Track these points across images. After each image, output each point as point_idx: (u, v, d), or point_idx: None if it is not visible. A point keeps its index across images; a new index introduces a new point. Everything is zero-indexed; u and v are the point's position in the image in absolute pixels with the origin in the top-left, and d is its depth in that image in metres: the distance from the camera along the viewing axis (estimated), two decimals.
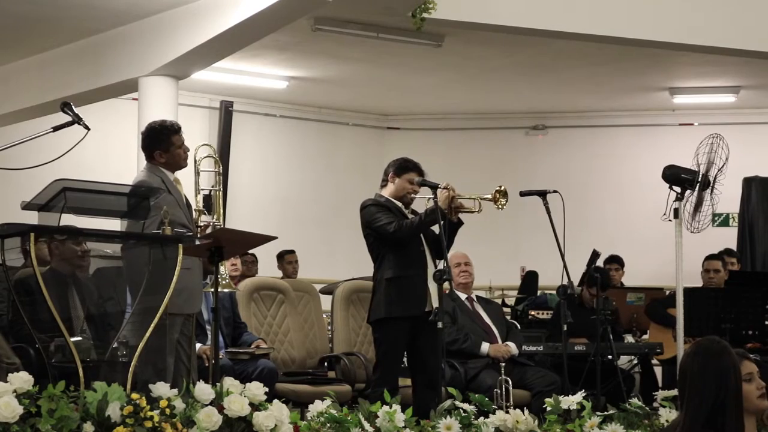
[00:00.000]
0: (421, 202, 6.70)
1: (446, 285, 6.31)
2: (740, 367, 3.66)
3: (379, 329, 6.65)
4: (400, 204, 6.75)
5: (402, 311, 6.41)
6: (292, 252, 11.65)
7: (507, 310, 10.65)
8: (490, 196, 6.56)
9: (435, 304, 6.53)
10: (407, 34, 9.94)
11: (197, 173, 6.37)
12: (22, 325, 5.06)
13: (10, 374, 4.53)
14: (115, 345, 5.22)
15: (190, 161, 6.42)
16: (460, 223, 6.70)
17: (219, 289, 5.94)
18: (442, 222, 6.52)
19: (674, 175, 7.19)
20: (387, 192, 6.79)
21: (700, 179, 7.20)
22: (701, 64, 11.51)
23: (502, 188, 6.56)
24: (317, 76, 12.40)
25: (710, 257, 9.13)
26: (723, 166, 7.25)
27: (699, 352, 3.65)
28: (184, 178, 6.74)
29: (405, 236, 6.53)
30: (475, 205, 6.60)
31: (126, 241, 5.78)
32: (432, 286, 6.50)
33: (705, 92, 13.00)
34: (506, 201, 6.54)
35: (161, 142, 6.18)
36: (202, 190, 6.30)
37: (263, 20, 8.82)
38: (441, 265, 6.34)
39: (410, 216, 6.69)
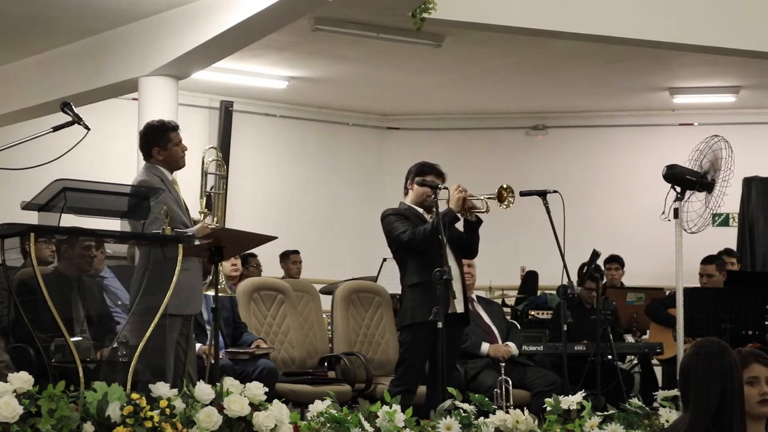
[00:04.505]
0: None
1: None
2: (741, 368, 3.65)
3: (404, 333, 6.76)
4: (421, 210, 6.76)
5: (426, 316, 6.38)
6: (297, 252, 11.66)
7: (507, 310, 10.66)
8: (494, 195, 6.55)
9: (459, 306, 6.56)
10: (407, 34, 9.94)
11: (204, 176, 6.36)
12: (23, 325, 5.06)
13: (10, 374, 4.53)
14: (115, 345, 5.22)
15: (198, 163, 6.41)
16: (479, 221, 6.72)
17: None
18: (458, 222, 6.66)
19: (677, 175, 7.17)
20: (409, 200, 6.83)
21: (709, 180, 7.20)
22: (701, 64, 11.52)
23: (506, 186, 6.56)
24: (317, 76, 12.40)
25: (704, 261, 9.10)
26: (729, 168, 7.25)
27: (701, 353, 3.65)
28: (187, 179, 6.73)
29: (420, 243, 6.54)
30: (483, 204, 6.62)
31: (126, 241, 5.79)
32: (457, 287, 6.54)
33: (705, 92, 13.01)
34: (513, 199, 6.56)
35: (159, 139, 6.18)
36: (206, 192, 6.29)
37: (263, 20, 8.82)
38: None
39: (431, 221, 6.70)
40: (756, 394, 3.73)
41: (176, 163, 6.23)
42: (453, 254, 6.66)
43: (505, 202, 6.55)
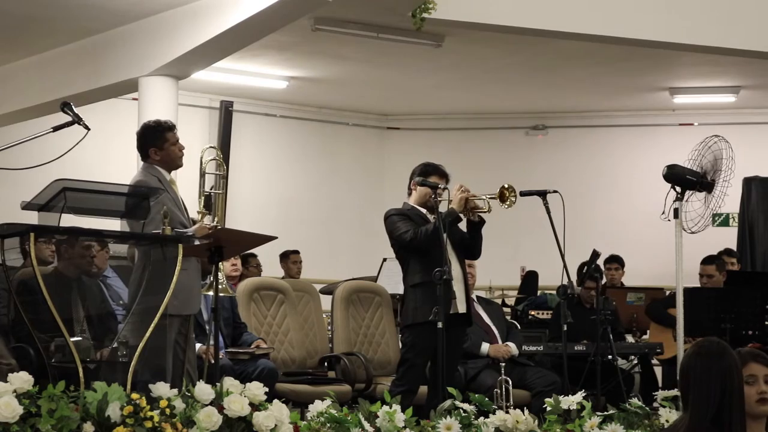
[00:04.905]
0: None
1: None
2: (741, 367, 3.66)
3: (406, 333, 6.77)
4: (424, 211, 6.77)
5: (427, 316, 6.35)
6: (297, 252, 11.66)
7: (507, 310, 10.66)
8: (496, 195, 6.57)
9: (461, 307, 6.57)
10: (407, 34, 9.94)
11: (202, 175, 6.37)
12: (23, 325, 5.06)
13: (10, 374, 4.53)
14: (115, 345, 5.22)
15: (194, 164, 6.41)
16: (482, 221, 6.73)
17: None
18: (461, 222, 6.70)
19: (677, 175, 7.16)
20: (412, 200, 6.85)
21: (709, 180, 7.19)
22: (701, 64, 11.51)
23: (507, 185, 6.58)
24: (317, 76, 12.40)
25: (704, 261, 9.10)
26: (730, 168, 7.25)
27: (701, 353, 3.65)
28: (187, 179, 6.73)
29: (422, 243, 6.56)
30: (485, 204, 6.63)
31: (126, 240, 5.79)
32: (459, 288, 6.55)
33: (705, 92, 13.00)
34: (515, 198, 6.57)
35: (156, 140, 6.19)
36: (204, 192, 6.29)
37: (263, 20, 8.82)
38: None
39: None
40: (754, 393, 3.73)
41: (174, 162, 6.23)
42: (456, 255, 6.68)
43: (507, 202, 6.57)
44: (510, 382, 7.11)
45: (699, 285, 8.98)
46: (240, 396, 4.93)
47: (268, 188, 13.79)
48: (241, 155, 13.37)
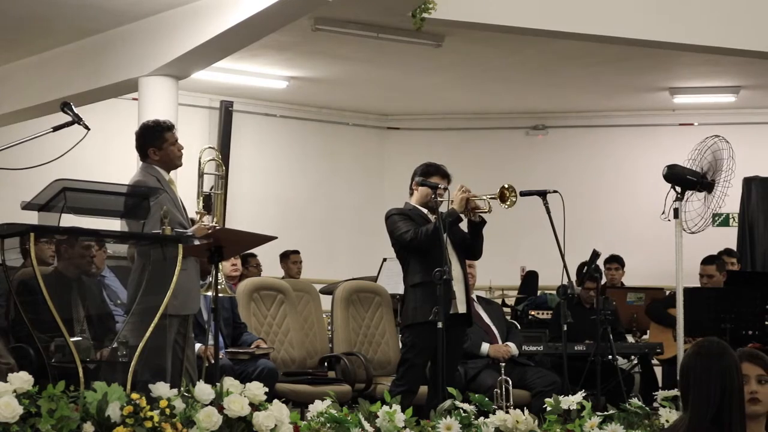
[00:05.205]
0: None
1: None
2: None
3: (406, 333, 6.77)
4: (425, 211, 6.77)
5: (427, 316, 6.35)
6: (297, 252, 11.67)
7: (507, 310, 10.66)
8: (496, 195, 6.59)
9: (462, 307, 6.58)
10: (407, 34, 9.94)
11: (201, 176, 6.37)
12: (22, 325, 5.06)
13: (10, 374, 4.53)
14: (115, 345, 5.22)
15: (194, 164, 6.41)
16: (482, 222, 6.74)
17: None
18: (461, 222, 6.70)
19: (677, 175, 7.16)
20: (413, 200, 6.86)
21: (709, 180, 7.19)
22: (701, 64, 11.52)
23: (508, 185, 6.59)
24: (317, 76, 12.40)
25: (704, 261, 9.10)
26: (731, 168, 7.25)
27: (701, 353, 3.65)
28: (186, 179, 6.73)
29: (422, 243, 6.56)
30: (486, 204, 6.64)
31: (126, 240, 5.79)
32: (459, 288, 6.55)
33: (705, 92, 13.01)
34: (516, 198, 6.58)
35: (155, 140, 6.19)
36: (203, 192, 6.29)
37: (263, 20, 8.82)
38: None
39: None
40: (745, 393, 3.74)
41: (173, 162, 6.23)
42: (457, 255, 6.68)
43: (508, 202, 6.59)
44: (510, 382, 7.11)
45: (699, 285, 8.98)
46: (240, 396, 4.93)
47: (268, 188, 13.79)
48: (241, 155, 13.38)
